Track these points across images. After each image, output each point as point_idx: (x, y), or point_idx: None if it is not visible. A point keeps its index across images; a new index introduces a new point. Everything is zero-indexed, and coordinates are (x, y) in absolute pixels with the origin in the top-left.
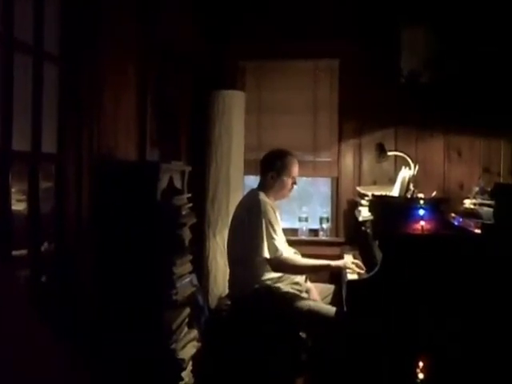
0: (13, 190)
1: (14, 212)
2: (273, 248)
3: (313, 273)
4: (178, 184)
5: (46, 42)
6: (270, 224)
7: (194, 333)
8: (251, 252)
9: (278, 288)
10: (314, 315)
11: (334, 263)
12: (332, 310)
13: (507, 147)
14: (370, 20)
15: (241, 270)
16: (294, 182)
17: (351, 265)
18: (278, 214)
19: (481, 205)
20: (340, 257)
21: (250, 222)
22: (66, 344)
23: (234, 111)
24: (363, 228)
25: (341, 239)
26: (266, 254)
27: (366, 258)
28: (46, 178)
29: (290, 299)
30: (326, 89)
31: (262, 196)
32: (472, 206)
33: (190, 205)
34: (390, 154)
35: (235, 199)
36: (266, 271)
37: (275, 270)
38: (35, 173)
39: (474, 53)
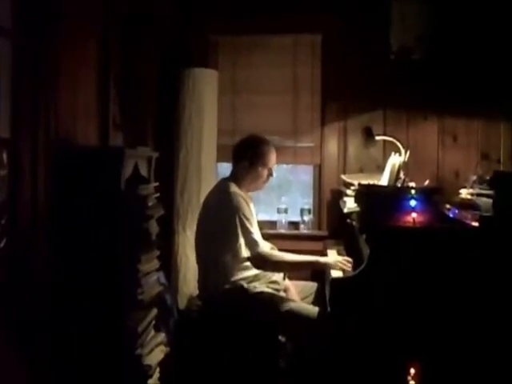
0: None
1: None
2: (252, 243)
3: (298, 270)
4: (143, 172)
5: None
6: (244, 218)
7: (162, 336)
8: (225, 252)
9: (254, 287)
10: (294, 317)
11: (322, 259)
12: (314, 310)
13: (507, 131)
14: None
15: (212, 271)
16: (271, 174)
17: (342, 262)
18: (252, 206)
19: (479, 195)
20: (323, 252)
21: (221, 220)
22: (20, 346)
23: (205, 91)
24: (349, 220)
25: (324, 233)
26: (244, 254)
27: (352, 254)
28: None
29: (267, 299)
30: (307, 67)
31: (233, 188)
32: (469, 197)
33: (158, 195)
34: (378, 138)
35: (207, 189)
36: (240, 269)
37: (257, 266)
38: None
39: (470, 26)
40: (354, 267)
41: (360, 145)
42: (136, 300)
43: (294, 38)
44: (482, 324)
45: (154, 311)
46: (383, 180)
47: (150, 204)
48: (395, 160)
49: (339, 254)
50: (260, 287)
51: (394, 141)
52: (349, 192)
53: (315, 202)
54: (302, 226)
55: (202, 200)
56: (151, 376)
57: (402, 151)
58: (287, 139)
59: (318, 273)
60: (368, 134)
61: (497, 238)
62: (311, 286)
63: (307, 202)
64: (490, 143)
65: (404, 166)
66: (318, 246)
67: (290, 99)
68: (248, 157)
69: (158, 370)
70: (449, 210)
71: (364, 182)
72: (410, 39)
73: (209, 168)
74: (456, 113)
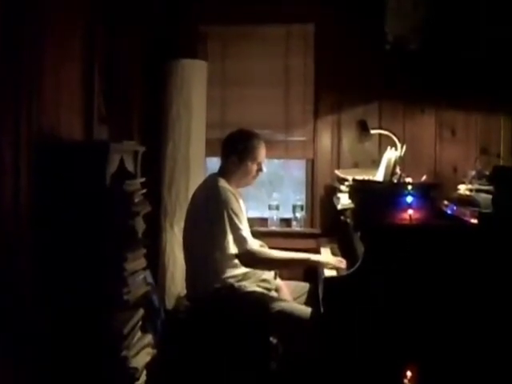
0: None
1: None
2: (241, 240)
3: (289, 268)
4: (129, 167)
5: None
6: (233, 214)
7: (149, 338)
8: (213, 249)
9: (244, 286)
10: (285, 317)
11: (314, 257)
12: (307, 311)
13: (508, 125)
14: None
15: (200, 269)
16: (260, 169)
17: (334, 261)
18: (241, 202)
19: (478, 191)
20: (316, 251)
21: (209, 215)
22: (3, 347)
23: (194, 83)
24: (343, 217)
25: (317, 230)
26: (232, 250)
27: (346, 252)
28: None
29: (258, 299)
30: (299, 58)
31: (222, 182)
32: (468, 193)
33: (144, 191)
34: (373, 132)
35: (195, 185)
36: (229, 268)
37: (246, 264)
38: None
39: (468, 16)
40: (348, 266)
41: (354, 139)
42: (122, 300)
43: (285, 27)
44: (481, 324)
45: (141, 312)
46: (379, 175)
47: (136, 200)
48: (391, 155)
49: (333, 252)
50: (250, 286)
51: (390, 134)
52: (343, 188)
53: (308, 198)
54: (294, 223)
55: (190, 196)
56: (138, 379)
57: (398, 145)
58: (279, 133)
59: (310, 272)
60: (363, 128)
61: (496, 235)
62: (303, 285)
63: (299, 199)
64: (489, 137)
65: (400, 160)
66: (310, 243)
67: (281, 91)
68: (237, 152)
69: (144, 372)
70: (447, 206)
71: (359, 177)
72: (407, 29)
73: (197, 163)
74: (454, 105)
